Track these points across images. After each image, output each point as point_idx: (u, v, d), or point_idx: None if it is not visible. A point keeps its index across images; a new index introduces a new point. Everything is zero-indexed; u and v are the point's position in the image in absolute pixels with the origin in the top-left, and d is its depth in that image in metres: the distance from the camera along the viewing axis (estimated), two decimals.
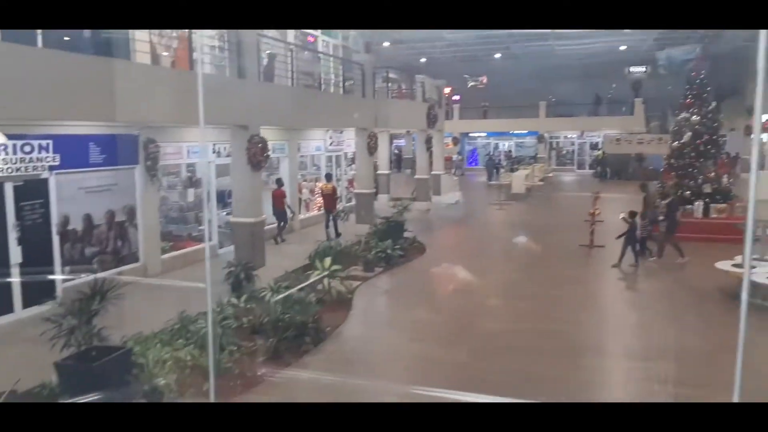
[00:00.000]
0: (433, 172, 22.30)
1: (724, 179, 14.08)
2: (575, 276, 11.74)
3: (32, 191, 8.93)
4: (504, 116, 36.14)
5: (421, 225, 17.69)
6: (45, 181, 9.14)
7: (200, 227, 13.92)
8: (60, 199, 9.41)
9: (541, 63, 35.51)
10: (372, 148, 15.96)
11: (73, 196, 9.77)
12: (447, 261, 13.14)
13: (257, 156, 10.83)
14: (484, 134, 38.50)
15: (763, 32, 3.03)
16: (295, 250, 13.26)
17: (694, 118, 14.30)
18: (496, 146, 39.14)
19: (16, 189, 8.70)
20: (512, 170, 29.35)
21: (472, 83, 38.73)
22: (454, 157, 36.45)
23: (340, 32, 19.83)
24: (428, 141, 20.44)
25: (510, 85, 37.43)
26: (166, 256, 12.04)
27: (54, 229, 9.30)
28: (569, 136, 37.38)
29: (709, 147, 14.23)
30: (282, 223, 14.63)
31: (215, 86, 9.99)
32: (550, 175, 27.96)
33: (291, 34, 16.53)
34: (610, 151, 31.00)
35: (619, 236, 12.21)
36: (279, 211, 14.51)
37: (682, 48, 20.46)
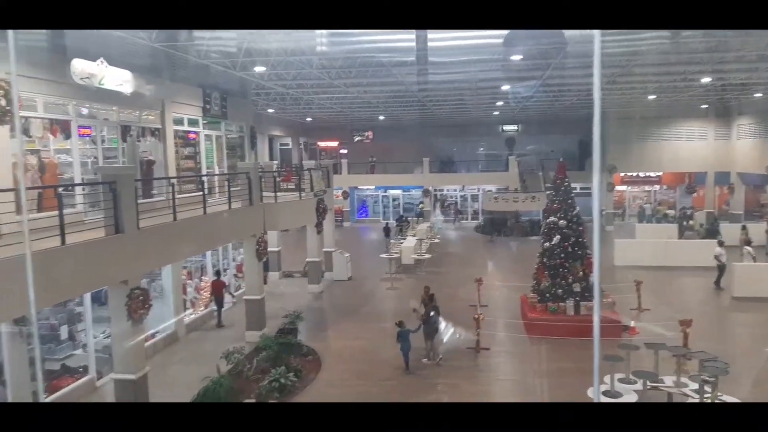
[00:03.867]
0: (324, 250, 22.39)
1: (592, 278, 15.38)
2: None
3: None
4: (390, 171, 37.15)
5: (314, 318, 17.65)
6: None
7: (74, 351, 12.98)
8: None
9: (423, 122, 37.07)
10: (261, 254, 15.68)
11: None
12: (343, 381, 13.12)
13: (138, 310, 10.24)
14: (372, 187, 39.29)
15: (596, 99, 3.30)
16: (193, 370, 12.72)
17: (562, 222, 15.59)
18: (384, 198, 40.02)
19: None
20: (402, 231, 30.12)
21: (359, 138, 39.53)
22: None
23: (222, 122, 19.41)
24: (318, 225, 20.47)
25: (395, 141, 38.65)
26: None
27: None
28: (452, 189, 39.16)
29: (576, 249, 15.54)
30: (221, 309, 17.04)
31: (87, 254, 9.33)
32: (437, 239, 28.96)
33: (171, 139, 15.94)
34: (489, 208, 32.89)
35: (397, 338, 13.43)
36: (218, 299, 16.98)
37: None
